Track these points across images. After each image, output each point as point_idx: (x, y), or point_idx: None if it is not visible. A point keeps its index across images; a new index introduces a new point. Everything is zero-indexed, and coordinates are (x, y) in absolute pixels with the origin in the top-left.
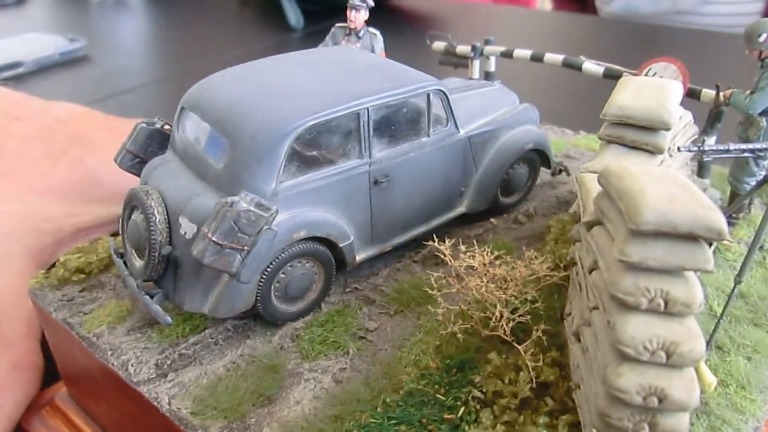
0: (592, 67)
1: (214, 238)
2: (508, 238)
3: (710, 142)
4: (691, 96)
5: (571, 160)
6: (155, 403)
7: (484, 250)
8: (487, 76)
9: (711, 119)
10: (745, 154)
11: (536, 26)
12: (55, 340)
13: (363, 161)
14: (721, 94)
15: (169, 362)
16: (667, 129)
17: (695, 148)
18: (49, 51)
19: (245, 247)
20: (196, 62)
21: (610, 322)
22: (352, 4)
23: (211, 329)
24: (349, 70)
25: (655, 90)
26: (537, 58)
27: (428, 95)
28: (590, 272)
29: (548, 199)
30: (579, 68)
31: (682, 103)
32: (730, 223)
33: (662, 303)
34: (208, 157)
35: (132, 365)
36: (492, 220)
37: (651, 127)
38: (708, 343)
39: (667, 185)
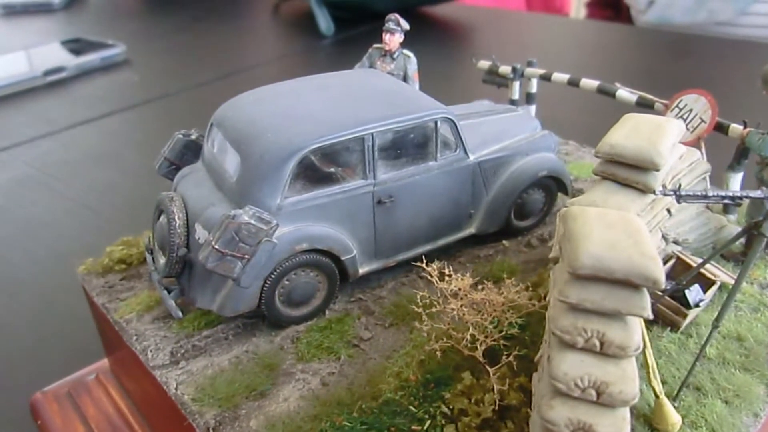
0: (626, 94)
1: (216, 246)
2: (515, 261)
3: (737, 178)
4: (718, 130)
5: None
6: (165, 387)
7: (465, 275)
8: (529, 97)
9: (737, 155)
10: (725, 201)
11: (570, 35)
12: (97, 320)
13: (367, 182)
14: (743, 131)
15: (182, 351)
16: (657, 169)
17: (670, 192)
18: (91, 56)
19: (246, 256)
20: (232, 67)
21: (549, 356)
22: (388, 28)
23: (223, 325)
24: (361, 96)
25: (650, 129)
26: (573, 83)
27: (436, 122)
28: None
29: None
30: (613, 95)
31: (711, 137)
32: (739, 262)
33: (598, 344)
34: (225, 171)
35: (151, 351)
36: (504, 242)
37: (640, 166)
38: (682, 384)
39: (614, 231)
